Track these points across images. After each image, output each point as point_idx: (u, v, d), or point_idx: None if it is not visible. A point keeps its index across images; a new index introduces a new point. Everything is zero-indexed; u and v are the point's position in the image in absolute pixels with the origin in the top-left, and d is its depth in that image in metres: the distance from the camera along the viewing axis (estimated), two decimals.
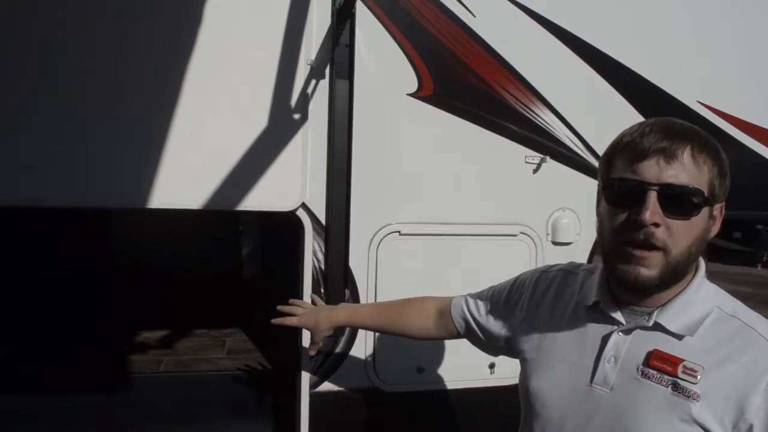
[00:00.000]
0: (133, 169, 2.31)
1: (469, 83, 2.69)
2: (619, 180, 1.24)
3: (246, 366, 2.96)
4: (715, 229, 1.28)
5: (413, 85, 2.63)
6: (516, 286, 1.60)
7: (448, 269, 2.65)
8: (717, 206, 1.25)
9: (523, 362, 1.48)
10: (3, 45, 2.22)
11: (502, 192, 2.75)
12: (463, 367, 2.69)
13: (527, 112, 2.78)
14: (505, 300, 1.61)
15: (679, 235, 1.19)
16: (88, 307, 3.67)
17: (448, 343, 2.61)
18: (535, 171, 2.78)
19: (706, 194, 1.20)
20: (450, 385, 2.71)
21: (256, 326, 3.56)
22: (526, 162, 2.77)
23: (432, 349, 2.64)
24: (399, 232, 2.62)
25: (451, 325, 1.75)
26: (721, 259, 14.79)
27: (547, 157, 2.78)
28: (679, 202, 1.19)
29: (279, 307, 2.15)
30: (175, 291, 3.98)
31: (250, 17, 2.41)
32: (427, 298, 1.89)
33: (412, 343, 2.62)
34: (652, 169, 1.19)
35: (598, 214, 1.32)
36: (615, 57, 2.85)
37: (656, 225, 1.18)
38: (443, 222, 2.67)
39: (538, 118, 2.79)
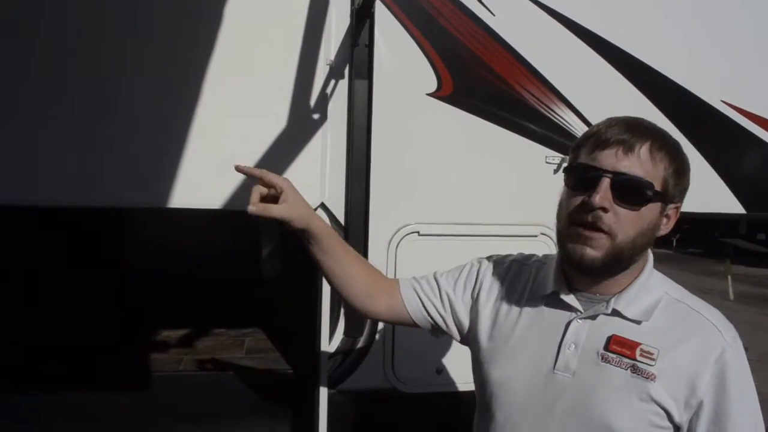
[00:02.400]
0: (153, 169, 2.33)
1: (488, 83, 2.68)
2: (579, 166, 1.34)
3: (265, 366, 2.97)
4: (667, 228, 1.36)
5: (432, 85, 2.62)
6: (468, 272, 1.63)
7: None
8: (671, 206, 1.34)
9: (477, 351, 1.52)
10: (26, 45, 2.25)
11: (522, 192, 2.73)
12: None
13: (547, 112, 2.76)
14: (455, 284, 1.63)
15: (625, 222, 1.27)
16: (109, 306, 3.71)
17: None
18: (555, 171, 2.76)
19: (658, 189, 1.28)
20: (468, 386, 2.68)
21: (275, 326, 3.57)
22: (547, 162, 2.75)
23: (451, 350, 2.63)
24: (418, 232, 2.61)
25: (399, 301, 1.64)
26: (746, 261, 14.59)
27: (568, 158, 2.74)
28: (630, 191, 1.27)
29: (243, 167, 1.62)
30: (195, 290, 4.01)
31: (269, 17, 2.41)
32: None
33: (431, 344, 2.63)
34: (610, 159, 1.28)
35: (560, 198, 1.40)
36: (637, 55, 2.82)
37: (605, 210, 1.26)
38: (463, 222, 2.66)
39: (559, 118, 2.76)
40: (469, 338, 1.57)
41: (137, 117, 2.32)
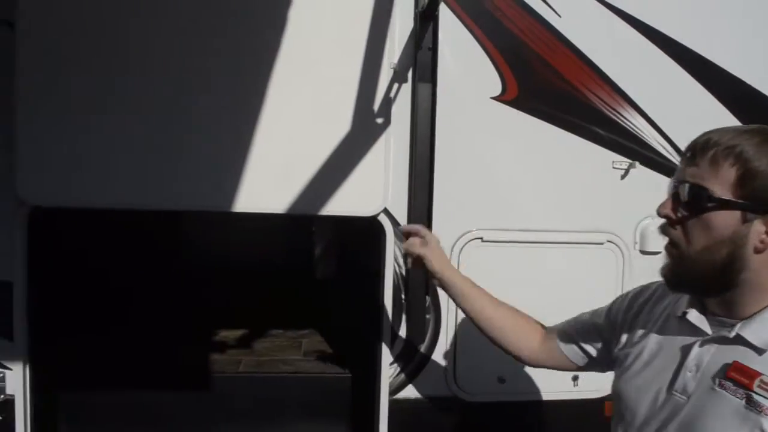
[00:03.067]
0: (220, 174, 2.35)
1: (554, 86, 2.62)
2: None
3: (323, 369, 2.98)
4: (755, 239, 1.23)
5: (497, 88, 2.58)
6: (617, 300, 1.65)
7: (531, 277, 2.58)
8: (759, 220, 1.22)
9: (618, 368, 1.52)
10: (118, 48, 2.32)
11: (589, 198, 2.66)
12: (546, 379, 2.61)
13: (615, 116, 2.68)
14: (605, 315, 1.66)
15: (691, 233, 1.26)
16: (169, 307, 3.77)
17: None
18: (623, 177, 2.68)
19: (721, 196, 1.22)
20: (532, 396, 2.64)
21: (333, 328, 3.57)
22: (614, 167, 2.67)
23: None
24: (481, 238, 2.56)
25: (555, 345, 1.77)
26: None
27: (636, 163, 2.67)
28: (689, 199, 1.25)
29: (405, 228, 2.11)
30: (251, 291, 4.04)
31: (333, 21, 2.41)
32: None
33: (494, 353, 2.58)
34: (681, 167, 1.31)
35: None
36: (708, 57, 2.72)
37: (669, 219, 1.28)
38: (527, 229, 2.60)
39: (627, 122, 2.68)
40: (614, 359, 1.58)
41: (206, 122, 2.34)
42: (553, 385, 2.62)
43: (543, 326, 1.84)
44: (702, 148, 1.26)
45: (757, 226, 1.22)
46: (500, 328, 1.86)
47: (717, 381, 1.25)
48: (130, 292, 3.68)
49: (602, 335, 1.65)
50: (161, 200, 2.37)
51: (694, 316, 1.33)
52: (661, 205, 1.29)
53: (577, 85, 2.65)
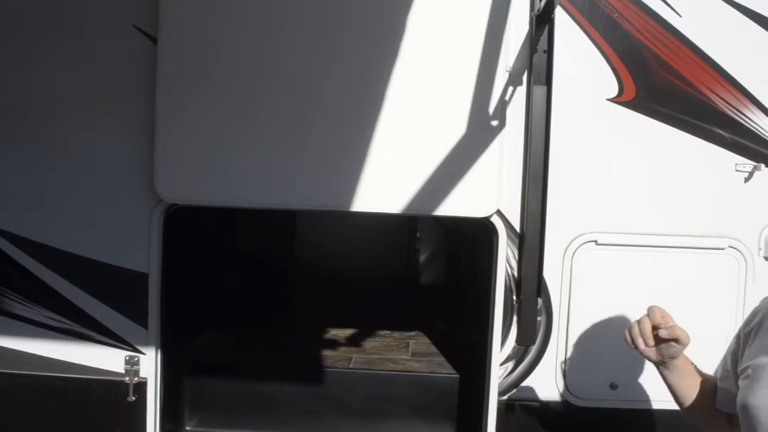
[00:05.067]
0: (338, 175, 2.46)
1: (673, 87, 2.56)
2: None
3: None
4: None
5: (613, 90, 2.54)
6: (747, 319, 1.52)
7: (647, 282, 2.52)
8: None
9: (744, 380, 1.42)
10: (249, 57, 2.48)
11: (709, 202, 2.57)
12: (660, 386, 2.53)
13: (739, 117, 2.58)
14: (736, 338, 1.53)
15: None
16: (284, 304, 3.94)
17: (643, 359, 2.48)
18: (746, 180, 2.57)
19: None
20: (644, 404, 2.57)
21: (439, 331, 3.61)
22: (737, 170, 2.57)
23: (627, 364, 2.52)
24: (596, 241, 2.53)
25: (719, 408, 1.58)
26: None
27: (762, 165, 2.56)
28: None
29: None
30: (356, 292, 4.14)
31: (450, 26, 2.46)
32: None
33: (606, 358, 2.56)
34: None
35: None
36: None
37: None
38: (643, 233, 2.55)
39: (752, 123, 2.58)
40: (743, 374, 1.46)
41: (327, 124, 2.46)
42: (667, 393, 2.54)
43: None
44: None
45: None
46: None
47: None
48: (250, 288, 3.87)
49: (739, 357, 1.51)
50: (284, 199, 2.51)
51: None
52: None
53: (698, 86, 2.57)
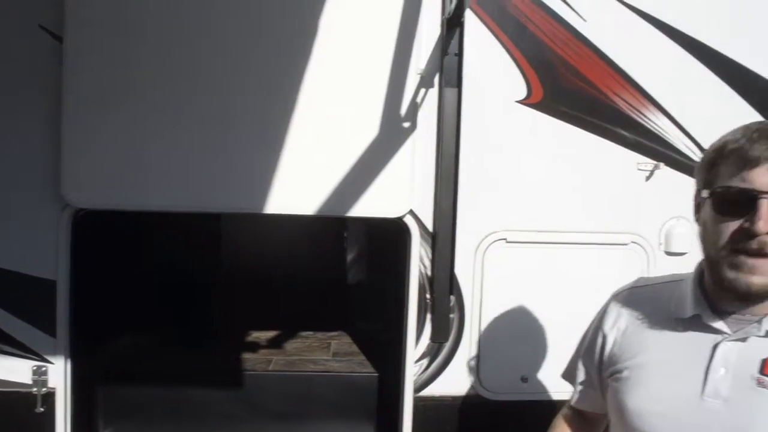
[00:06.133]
0: (251, 177, 2.44)
1: (579, 89, 2.65)
2: (727, 188, 1.20)
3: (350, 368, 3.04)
4: None
5: (522, 92, 2.62)
6: (592, 327, 1.53)
7: (555, 278, 2.62)
8: None
9: (616, 382, 1.40)
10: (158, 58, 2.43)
11: (613, 200, 2.68)
12: None
13: (640, 118, 2.70)
14: (598, 336, 1.50)
15: None
16: (204, 306, 3.88)
17: (555, 352, 2.58)
18: (647, 178, 2.70)
19: None
20: (555, 395, 2.66)
21: (361, 330, 3.64)
22: (639, 169, 2.69)
23: (537, 359, 2.62)
24: (505, 239, 2.61)
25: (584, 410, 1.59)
26: None
27: (661, 164, 2.68)
28: None
29: None
30: (282, 294, 4.12)
31: (363, 29, 2.48)
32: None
33: (517, 352, 2.64)
34: (764, 177, 1.16)
35: (700, 221, 1.28)
36: (734, 58, 2.72)
37: None
38: (551, 230, 2.64)
39: (651, 124, 2.70)
40: (610, 377, 1.45)
41: (239, 127, 2.44)
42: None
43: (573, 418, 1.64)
44: None
45: None
46: None
47: (756, 379, 1.20)
48: (167, 293, 3.79)
49: (601, 376, 1.49)
50: (197, 202, 2.48)
51: (708, 316, 1.28)
52: (763, 223, 1.15)
53: (602, 88, 2.68)
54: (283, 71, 2.46)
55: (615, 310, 1.46)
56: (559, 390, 2.60)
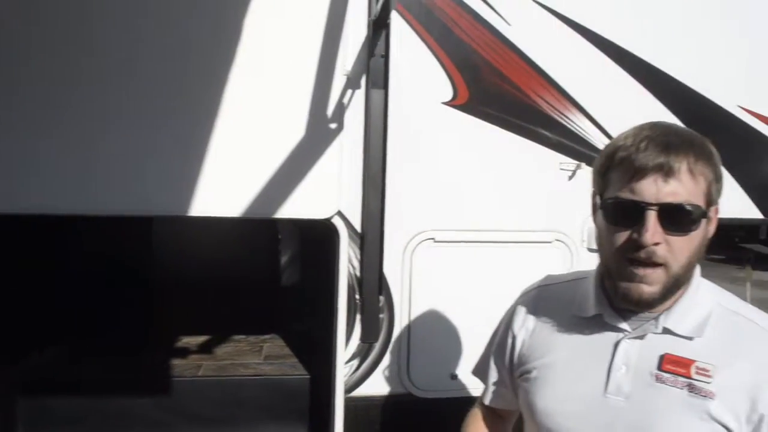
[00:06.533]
0: (173, 178, 2.38)
1: (503, 91, 2.71)
2: (616, 199, 1.23)
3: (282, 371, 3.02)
4: (712, 229, 1.27)
5: (448, 94, 2.66)
6: (502, 326, 1.56)
7: (482, 276, 2.67)
8: (712, 208, 1.24)
9: (526, 382, 1.42)
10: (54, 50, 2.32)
11: (537, 199, 2.75)
12: None
13: (562, 119, 2.78)
14: (508, 336, 1.53)
15: (679, 250, 1.20)
16: (130, 313, 3.77)
17: (481, 349, 2.61)
18: (570, 177, 2.78)
19: (703, 207, 1.21)
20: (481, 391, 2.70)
21: (294, 332, 3.61)
22: (561, 169, 2.77)
23: (465, 355, 2.66)
24: (433, 239, 2.64)
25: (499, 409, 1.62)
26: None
27: (583, 164, 2.77)
28: (678, 219, 1.19)
29: None
30: (215, 297, 4.06)
31: (287, 29, 2.46)
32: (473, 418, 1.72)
33: (446, 350, 2.67)
34: (651, 188, 1.19)
35: (596, 225, 1.31)
36: (653, 63, 2.84)
37: (657, 243, 1.19)
38: (478, 229, 2.68)
39: (573, 125, 2.78)
40: (520, 377, 1.46)
41: (156, 127, 2.38)
42: None
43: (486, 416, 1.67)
44: (671, 161, 1.18)
45: (711, 218, 1.25)
46: None
47: (654, 375, 1.24)
48: (94, 298, 3.68)
49: (512, 374, 1.51)
50: (111, 205, 2.39)
51: (610, 315, 1.31)
52: (648, 233, 1.18)
53: (526, 90, 2.74)
54: (204, 70, 2.41)
55: (523, 309, 1.49)
56: None
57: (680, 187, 1.18)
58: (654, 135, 1.22)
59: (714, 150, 1.25)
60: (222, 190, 2.41)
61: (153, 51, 2.38)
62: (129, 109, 2.37)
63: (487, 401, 1.60)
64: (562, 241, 2.77)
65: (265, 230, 4.48)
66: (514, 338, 1.48)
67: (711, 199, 1.23)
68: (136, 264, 4.13)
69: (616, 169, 1.24)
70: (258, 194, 2.41)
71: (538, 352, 1.42)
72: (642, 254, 1.19)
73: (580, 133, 2.78)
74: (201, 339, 3.59)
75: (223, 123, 2.40)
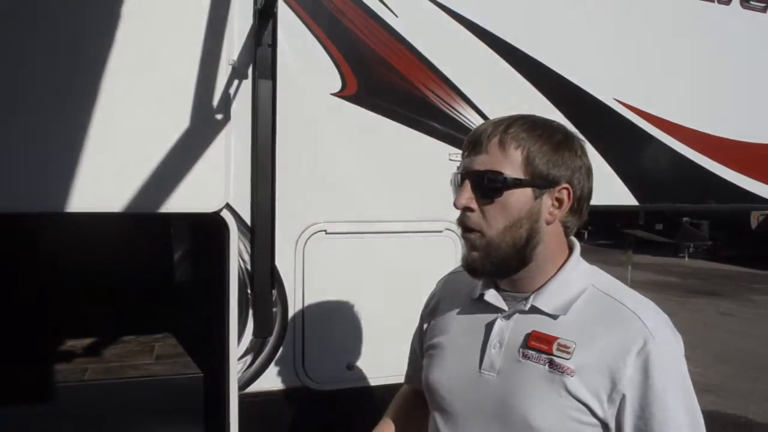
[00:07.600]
0: (48, 172, 2.25)
1: (392, 82, 2.73)
2: (455, 174, 1.41)
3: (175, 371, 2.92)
4: (561, 212, 1.36)
5: (337, 85, 2.65)
6: (427, 301, 1.68)
7: (375, 266, 2.68)
8: (554, 189, 1.34)
9: (426, 360, 1.54)
10: None
11: (427, 189, 2.78)
12: (394, 363, 2.67)
13: (450, 110, 2.83)
14: (420, 319, 1.69)
15: (491, 217, 1.32)
16: (9, 316, 3.55)
17: (378, 338, 2.65)
18: (458, 168, 2.83)
19: (514, 175, 1.31)
20: (381, 381, 2.73)
21: (188, 330, 3.51)
22: (450, 159, 2.82)
23: (360, 346, 2.67)
24: (325, 231, 2.63)
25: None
26: (651, 251, 15.47)
27: None
28: (483, 186, 1.31)
29: None
30: (104, 298, 3.89)
31: (169, 17, 2.38)
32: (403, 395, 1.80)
33: (342, 341, 2.68)
34: (466, 159, 1.37)
35: None
36: (535, 56, 2.95)
37: (470, 209, 1.33)
38: (369, 220, 2.70)
39: (461, 116, 2.85)
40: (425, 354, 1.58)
41: (30, 118, 2.24)
42: (402, 368, 2.72)
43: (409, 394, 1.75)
44: (488, 137, 1.32)
45: (546, 201, 1.33)
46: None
47: (521, 352, 1.32)
48: None
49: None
50: None
51: (491, 295, 1.40)
52: (459, 198, 1.34)
53: (414, 82, 2.78)
54: (83, 62, 2.29)
55: (434, 293, 1.64)
56: (383, 375, 2.71)
57: (488, 158, 1.32)
58: (493, 120, 1.38)
59: (569, 137, 1.37)
60: (103, 185, 2.30)
61: (27, 43, 2.23)
62: (0, 102, 2.21)
63: (405, 379, 1.76)
64: (452, 230, 2.83)
65: (157, 227, 4.34)
66: (423, 320, 1.64)
67: (536, 175, 1.32)
68: (17, 264, 3.90)
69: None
70: (141, 189, 2.31)
71: (436, 332, 1.53)
72: (457, 220, 1.37)
73: (468, 125, 2.84)
74: (87, 341, 3.43)
75: (102, 115, 2.29)
